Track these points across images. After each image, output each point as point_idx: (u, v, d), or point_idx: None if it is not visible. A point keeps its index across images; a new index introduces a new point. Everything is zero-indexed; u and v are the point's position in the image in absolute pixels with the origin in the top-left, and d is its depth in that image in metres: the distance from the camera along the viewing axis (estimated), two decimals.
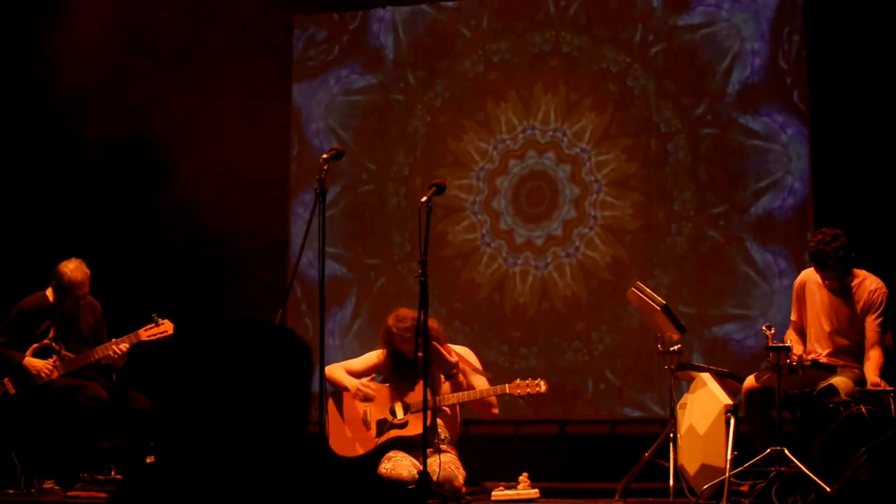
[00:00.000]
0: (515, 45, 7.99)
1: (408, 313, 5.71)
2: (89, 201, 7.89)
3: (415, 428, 5.54)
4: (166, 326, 6.20)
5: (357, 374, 5.93)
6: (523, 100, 7.94)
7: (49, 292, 6.32)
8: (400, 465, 5.48)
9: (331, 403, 5.89)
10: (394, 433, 5.64)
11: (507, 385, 5.62)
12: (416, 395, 5.59)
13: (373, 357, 6.02)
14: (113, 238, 7.84)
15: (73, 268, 6.21)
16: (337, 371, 5.92)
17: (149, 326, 6.20)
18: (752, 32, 7.49)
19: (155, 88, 8.06)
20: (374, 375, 6.01)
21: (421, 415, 5.52)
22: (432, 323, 5.64)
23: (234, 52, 7.86)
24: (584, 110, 7.79)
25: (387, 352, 5.87)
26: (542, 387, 5.57)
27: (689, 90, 7.61)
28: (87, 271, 6.26)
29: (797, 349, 5.76)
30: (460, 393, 5.65)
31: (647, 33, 7.72)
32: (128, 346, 6.17)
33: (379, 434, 5.72)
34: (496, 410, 5.81)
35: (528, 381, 5.58)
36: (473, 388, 5.69)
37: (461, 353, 5.83)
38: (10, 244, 7.74)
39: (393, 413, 5.77)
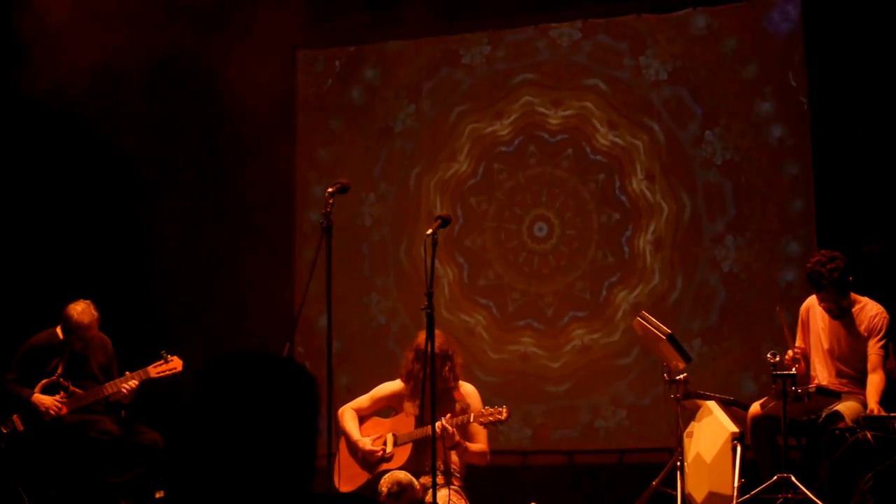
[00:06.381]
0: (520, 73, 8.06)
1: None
2: (91, 232, 7.89)
3: (399, 461, 5.53)
4: (175, 363, 6.20)
5: (367, 414, 5.85)
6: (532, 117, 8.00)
7: (59, 330, 6.33)
8: (397, 472, 5.44)
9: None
10: (382, 466, 5.58)
11: (471, 414, 5.44)
12: (403, 428, 5.59)
13: (384, 390, 5.88)
14: (116, 268, 7.84)
15: (80, 310, 6.21)
16: (348, 420, 5.78)
17: (158, 363, 6.21)
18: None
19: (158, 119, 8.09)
20: (393, 413, 5.83)
21: (406, 447, 5.53)
22: (458, 360, 5.65)
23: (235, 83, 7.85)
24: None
25: (411, 377, 5.68)
26: (504, 414, 5.35)
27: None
28: (95, 314, 6.25)
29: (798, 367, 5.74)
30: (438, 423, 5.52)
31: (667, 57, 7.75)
32: (137, 382, 6.18)
33: (371, 469, 5.64)
34: (477, 459, 5.66)
35: (491, 410, 5.38)
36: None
37: (468, 392, 5.71)
38: (17, 279, 7.75)
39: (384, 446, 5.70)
